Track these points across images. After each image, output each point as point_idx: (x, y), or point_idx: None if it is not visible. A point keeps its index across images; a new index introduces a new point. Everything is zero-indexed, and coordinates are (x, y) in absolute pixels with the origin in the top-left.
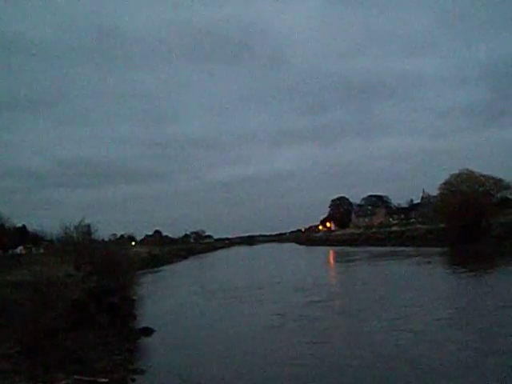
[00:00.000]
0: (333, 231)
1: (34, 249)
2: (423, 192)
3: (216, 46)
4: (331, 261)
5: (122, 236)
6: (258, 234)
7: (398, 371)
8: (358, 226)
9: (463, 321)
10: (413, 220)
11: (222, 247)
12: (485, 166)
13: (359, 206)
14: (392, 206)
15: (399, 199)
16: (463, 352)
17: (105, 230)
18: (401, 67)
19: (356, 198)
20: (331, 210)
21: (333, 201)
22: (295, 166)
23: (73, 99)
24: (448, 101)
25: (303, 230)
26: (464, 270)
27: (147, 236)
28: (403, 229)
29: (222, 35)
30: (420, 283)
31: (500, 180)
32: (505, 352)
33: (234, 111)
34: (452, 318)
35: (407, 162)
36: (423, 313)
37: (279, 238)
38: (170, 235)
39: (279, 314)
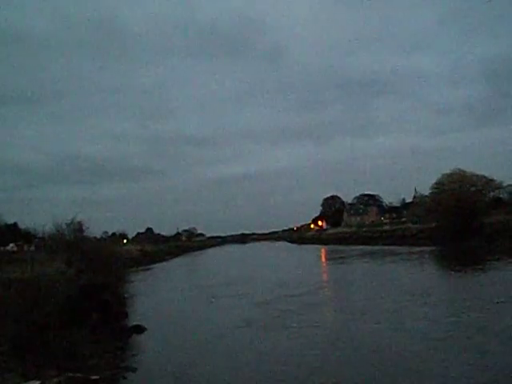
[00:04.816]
0: (325, 230)
1: (25, 246)
2: (415, 191)
3: (214, 42)
4: (320, 259)
5: (113, 234)
6: (250, 232)
7: (372, 364)
8: (349, 224)
9: (441, 313)
10: (404, 219)
11: (215, 245)
12: (482, 165)
13: (351, 204)
14: (384, 205)
15: (393, 198)
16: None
17: (97, 227)
18: (399, 64)
19: (349, 196)
20: (323, 208)
21: (325, 199)
22: (290, 164)
23: (68, 94)
24: (446, 99)
25: (295, 228)
26: (450, 267)
27: (139, 233)
28: (395, 228)
29: (220, 31)
30: (405, 280)
31: (491, 180)
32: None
33: (230, 108)
34: (430, 311)
35: (403, 161)
36: (406, 308)
37: (272, 237)
38: (162, 233)
39: (265, 309)
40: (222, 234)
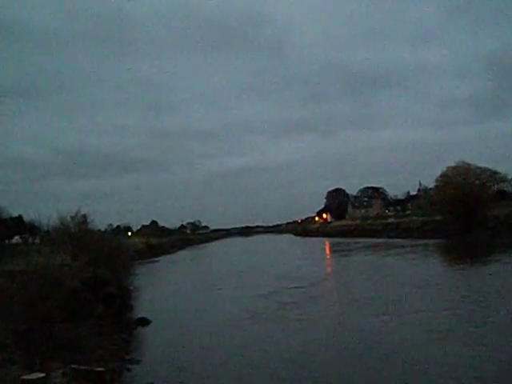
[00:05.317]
0: (329, 222)
1: (30, 239)
2: (420, 184)
3: (217, 36)
4: (324, 251)
5: (118, 226)
6: (254, 224)
7: (374, 356)
8: (354, 217)
9: (440, 302)
10: (409, 212)
11: (219, 238)
12: (486, 158)
13: (355, 197)
14: (388, 197)
15: (397, 191)
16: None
17: (101, 220)
18: (403, 58)
19: (353, 189)
20: (328, 201)
21: (329, 192)
22: (293, 157)
23: (71, 87)
24: (450, 92)
25: (300, 221)
26: (454, 260)
27: (144, 226)
28: (399, 220)
29: (223, 24)
30: (408, 272)
31: (496, 172)
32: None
33: (234, 101)
34: (430, 301)
35: (407, 154)
36: (408, 300)
37: (276, 229)
38: (167, 226)
39: (269, 301)
40: (227, 227)
